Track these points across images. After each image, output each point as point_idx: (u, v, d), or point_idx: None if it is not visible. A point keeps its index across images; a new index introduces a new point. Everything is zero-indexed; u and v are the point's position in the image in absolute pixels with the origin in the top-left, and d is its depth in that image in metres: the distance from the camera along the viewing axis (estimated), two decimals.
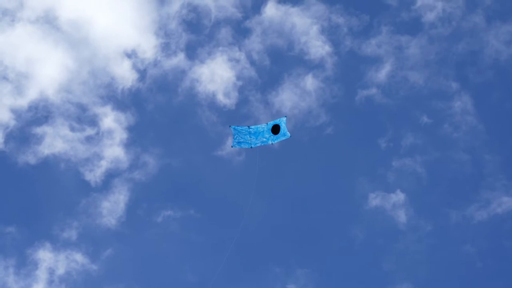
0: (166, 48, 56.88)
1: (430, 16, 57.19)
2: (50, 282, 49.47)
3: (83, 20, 56.87)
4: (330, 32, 57.49)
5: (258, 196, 51.47)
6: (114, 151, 53.37)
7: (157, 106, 55.46)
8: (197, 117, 54.89)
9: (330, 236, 51.39)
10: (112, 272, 50.18)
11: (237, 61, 56.50)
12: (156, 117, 55.34)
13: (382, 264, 50.18)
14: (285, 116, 42.56)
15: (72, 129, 53.74)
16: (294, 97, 55.24)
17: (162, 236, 51.13)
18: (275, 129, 42.25)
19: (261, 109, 54.84)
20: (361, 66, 56.58)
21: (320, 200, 52.41)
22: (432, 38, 56.85)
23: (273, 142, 42.77)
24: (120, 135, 53.90)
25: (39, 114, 53.96)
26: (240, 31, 57.75)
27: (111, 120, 54.27)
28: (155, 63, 56.39)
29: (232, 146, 42.73)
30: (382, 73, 55.90)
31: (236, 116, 54.91)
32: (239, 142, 42.43)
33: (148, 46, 56.62)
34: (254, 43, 57.13)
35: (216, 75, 55.82)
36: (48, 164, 52.70)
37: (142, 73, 56.13)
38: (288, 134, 42.65)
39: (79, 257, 49.98)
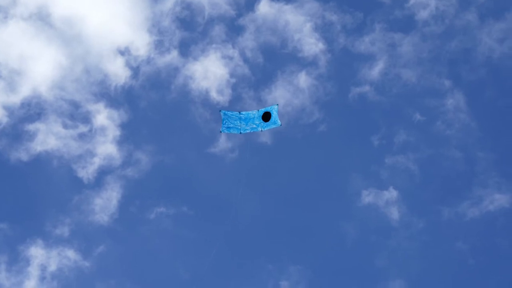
0: (159, 46, 57.06)
1: (423, 14, 57.45)
2: (42, 278, 49.64)
3: (76, 17, 57.04)
4: (324, 30, 57.75)
5: (251, 193, 52.03)
6: (107, 148, 53.53)
7: (150, 103, 55.72)
8: (190, 114, 55.11)
9: (323, 233, 51.62)
10: (104, 268, 50.35)
11: (231, 58, 56.72)
12: (149, 114, 55.61)
13: (374, 261, 50.46)
14: (277, 104, 42.70)
15: (65, 126, 53.95)
16: (287, 94, 55.45)
17: (155, 233, 51.38)
18: (266, 117, 42.40)
19: (254, 106, 54.81)
20: (354, 63, 56.86)
21: (313, 197, 52.61)
22: (425, 35, 57.16)
23: (262, 129, 42.92)
24: (113, 132, 54.08)
25: (31, 111, 54.17)
26: (234, 29, 58.00)
27: (104, 117, 54.45)
28: (148, 61, 56.59)
29: (220, 131, 42.77)
30: (375, 71, 56.13)
31: None
32: (228, 128, 42.53)
33: (141, 43, 56.78)
34: (248, 40, 57.30)
35: (210, 72, 56.02)
36: (41, 161, 52.90)
37: (135, 71, 56.34)
38: (279, 122, 42.80)
39: (71, 253, 50.12)
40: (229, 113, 42.39)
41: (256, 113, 42.43)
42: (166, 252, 50.98)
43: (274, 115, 42.46)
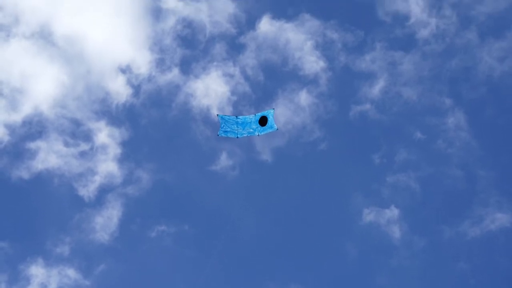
0: (160, 64, 57.51)
1: (423, 33, 57.96)
2: None
3: (78, 36, 57.57)
4: (325, 48, 58.24)
5: (252, 210, 52.34)
6: (108, 166, 53.79)
7: (151, 121, 56.11)
8: (191, 132, 55.49)
9: (325, 251, 51.76)
10: (105, 287, 50.41)
11: (232, 76, 57.13)
12: (150, 132, 55.99)
13: (376, 280, 50.54)
14: (273, 109, 43.11)
15: (66, 144, 54.25)
16: (288, 112, 55.83)
17: (156, 251, 51.49)
18: (263, 121, 42.81)
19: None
20: (355, 81, 57.28)
21: (314, 215, 52.77)
22: (425, 54, 57.63)
23: (259, 134, 43.32)
24: (114, 150, 54.42)
25: (33, 129, 54.51)
26: (235, 47, 58.50)
27: (105, 135, 54.78)
28: (150, 79, 57.02)
29: (218, 135, 43.16)
30: (376, 89, 56.54)
31: None
32: (225, 132, 43.04)
33: (142, 61, 57.26)
34: (249, 58, 57.80)
35: (211, 90, 56.46)
36: (42, 179, 53.14)
37: (136, 89, 56.75)
38: (275, 126, 43.22)
39: (71, 272, 50.25)
40: (227, 117, 42.89)
41: (253, 117, 42.93)
42: (167, 271, 51.16)
43: (271, 119, 42.94)
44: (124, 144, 54.67)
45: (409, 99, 56.00)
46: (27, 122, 54.40)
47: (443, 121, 55.05)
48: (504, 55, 56.29)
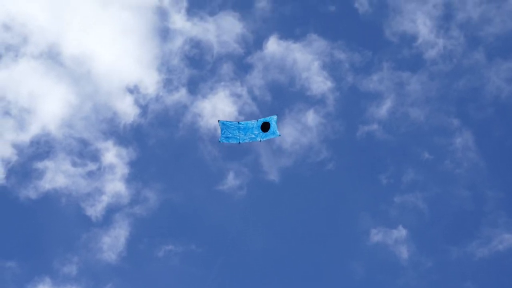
0: (168, 84, 58.00)
1: (431, 53, 58.37)
2: None
3: (86, 56, 58.14)
4: (332, 68, 58.64)
5: (260, 230, 52.79)
6: (115, 186, 54.29)
7: (158, 141, 56.55)
8: (198, 152, 55.87)
9: (332, 271, 52.19)
10: None
11: (239, 96, 57.61)
12: (158, 152, 56.40)
13: None
14: (276, 115, 43.27)
15: (74, 164, 54.73)
16: (295, 132, 56.19)
17: (163, 271, 51.86)
18: (265, 127, 42.99)
19: (262, 144, 54.90)
20: (362, 102, 57.60)
21: (321, 236, 53.20)
22: (433, 74, 58.03)
23: (261, 139, 43.47)
24: (122, 170, 54.90)
25: (40, 149, 55.00)
26: (242, 67, 58.93)
27: (112, 155, 55.23)
28: (157, 99, 57.48)
29: (219, 141, 43.48)
30: (383, 109, 56.93)
31: (237, 150, 55.73)
32: (227, 137, 43.26)
33: (150, 81, 57.73)
34: (256, 78, 58.22)
35: (218, 110, 56.84)
36: (49, 199, 53.65)
37: (144, 109, 57.20)
38: (278, 133, 43.33)
39: None
40: (228, 123, 43.17)
41: (255, 123, 43.11)
42: None
43: (273, 125, 43.08)
44: (131, 164, 55.30)
45: (416, 120, 56.57)
46: (35, 142, 55.13)
47: (451, 142, 55.62)
48: None
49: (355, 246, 52.84)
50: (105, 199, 53.72)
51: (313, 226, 53.46)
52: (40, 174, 54.05)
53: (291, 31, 59.84)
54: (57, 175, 54.10)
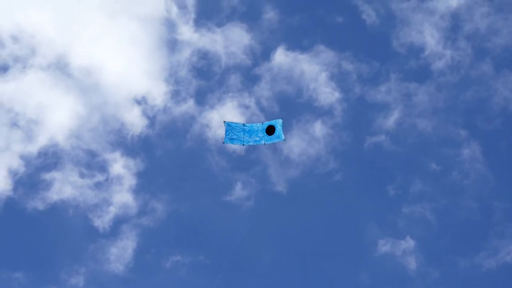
0: (176, 95, 58.47)
1: (438, 64, 58.88)
2: None
3: (94, 67, 58.71)
4: (339, 79, 59.07)
5: (267, 241, 53.31)
6: (123, 197, 54.74)
7: (166, 152, 56.95)
8: (206, 162, 56.34)
9: (340, 282, 52.63)
10: None
11: (247, 107, 58.15)
12: (165, 163, 56.86)
13: None
14: (281, 119, 43.64)
15: (82, 175, 55.23)
16: (302, 143, 56.60)
17: (171, 282, 52.29)
18: (270, 130, 43.36)
19: (269, 155, 56.05)
20: (369, 113, 57.99)
21: (329, 247, 53.60)
22: (440, 85, 58.45)
23: (266, 143, 43.73)
24: (129, 181, 55.37)
25: (48, 160, 55.48)
26: (250, 78, 59.45)
27: (120, 166, 55.69)
28: (165, 110, 57.96)
29: (223, 142, 43.95)
30: (391, 120, 57.34)
31: (245, 161, 56.34)
32: (231, 139, 43.68)
33: (158, 92, 58.24)
34: (264, 89, 58.71)
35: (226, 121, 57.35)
36: (57, 210, 54.08)
37: (151, 120, 57.62)
38: (283, 137, 43.57)
39: None
40: (233, 124, 43.66)
41: (260, 126, 43.51)
42: None
43: (278, 129, 43.38)
44: (139, 175, 55.79)
45: (424, 131, 57.09)
46: (43, 153, 55.67)
47: (458, 153, 56.05)
48: None
49: (362, 257, 53.29)
50: (112, 210, 54.28)
51: (320, 236, 54.01)
52: (48, 185, 54.67)
53: (298, 42, 60.56)
54: (65, 186, 54.68)
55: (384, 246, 53.17)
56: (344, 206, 55.34)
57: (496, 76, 58.04)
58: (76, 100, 57.76)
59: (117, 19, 60.66)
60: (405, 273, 52.44)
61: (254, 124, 43.61)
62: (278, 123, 43.57)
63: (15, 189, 54.12)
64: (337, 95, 58.29)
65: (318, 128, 57.09)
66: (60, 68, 58.72)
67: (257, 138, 43.75)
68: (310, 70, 59.21)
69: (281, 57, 59.62)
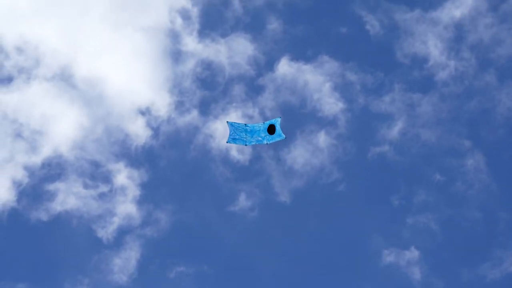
0: (180, 106, 58.92)
1: (442, 75, 59.29)
2: None
3: (98, 78, 59.19)
4: (343, 89, 59.47)
5: (271, 251, 53.69)
6: (126, 208, 55.12)
7: (170, 163, 57.41)
8: (210, 173, 56.73)
9: None
10: None
11: (251, 117, 58.42)
12: (169, 174, 57.31)
13: None
14: (280, 117, 44.49)
15: (85, 186, 55.61)
16: (306, 154, 56.96)
17: None
18: (271, 129, 44.10)
19: (273, 165, 56.75)
20: (373, 123, 58.41)
21: (333, 257, 53.99)
22: (444, 96, 58.87)
23: (268, 142, 44.47)
24: (133, 192, 55.73)
25: (52, 171, 55.91)
26: (254, 88, 59.84)
27: (124, 177, 56.10)
28: (169, 121, 58.36)
29: (227, 142, 44.45)
30: (395, 130, 57.68)
31: (248, 171, 56.72)
32: (234, 139, 44.24)
33: (162, 103, 58.66)
34: (267, 99, 59.10)
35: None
36: (60, 221, 54.49)
37: (155, 130, 58.11)
38: (283, 135, 44.32)
39: None
40: (236, 124, 44.32)
41: (261, 125, 44.18)
42: None
43: (278, 128, 44.20)
44: (143, 185, 56.22)
45: (427, 141, 57.48)
46: (46, 164, 56.14)
47: (462, 163, 56.46)
48: None
49: (367, 268, 53.69)
50: (116, 221, 54.67)
51: (324, 247, 54.42)
52: (52, 196, 55.09)
53: (302, 52, 60.98)
54: (69, 197, 55.07)
55: (388, 257, 53.62)
56: (348, 216, 55.74)
57: (500, 87, 58.59)
58: (80, 111, 58.37)
59: (121, 30, 61.45)
60: (410, 284, 52.97)
61: (255, 124, 44.33)
62: (277, 122, 44.35)
63: (19, 200, 54.68)
64: (341, 105, 58.79)
65: (322, 139, 57.54)
66: (65, 79, 59.35)
67: (259, 138, 44.42)
68: (314, 80, 59.70)
69: (285, 67, 60.13)
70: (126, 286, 53.02)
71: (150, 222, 54.87)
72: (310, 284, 53.04)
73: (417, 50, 60.36)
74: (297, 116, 59.00)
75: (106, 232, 54.48)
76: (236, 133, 44.40)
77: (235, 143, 44.65)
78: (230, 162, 56.88)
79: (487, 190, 55.43)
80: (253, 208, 55.33)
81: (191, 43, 60.92)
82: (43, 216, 54.46)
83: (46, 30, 60.17)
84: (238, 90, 59.71)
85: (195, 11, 61.69)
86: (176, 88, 59.64)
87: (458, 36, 60.53)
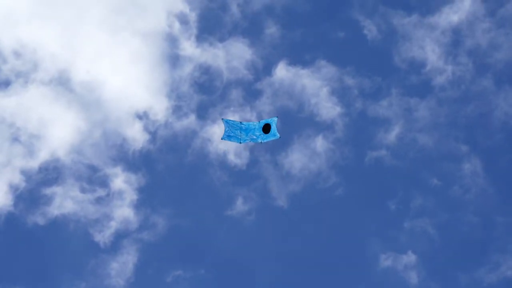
0: (177, 110, 59.26)
1: (439, 79, 59.75)
2: None
3: (96, 82, 59.67)
4: (341, 94, 59.86)
5: (269, 256, 54.07)
6: (123, 212, 55.39)
7: (167, 167, 57.77)
8: (207, 177, 57.05)
9: None
10: None
11: (248, 121, 58.57)
12: (166, 178, 57.67)
13: None
14: (277, 117, 44.82)
15: (82, 190, 55.91)
16: (304, 158, 57.30)
17: None
18: (266, 128, 44.50)
19: (270, 169, 57.10)
20: (370, 127, 58.80)
21: (331, 261, 54.33)
22: (441, 100, 59.26)
23: (262, 141, 44.82)
24: (130, 196, 56.08)
25: (49, 175, 56.22)
26: (251, 92, 60.21)
27: (121, 181, 56.42)
28: (166, 125, 58.68)
29: (221, 139, 44.85)
30: (392, 135, 58.08)
31: (246, 176, 57.08)
32: (229, 136, 44.65)
33: (159, 108, 58.99)
34: (265, 104, 59.51)
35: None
36: (57, 225, 54.72)
37: (153, 135, 58.40)
38: (278, 135, 44.72)
39: None
40: (231, 121, 44.63)
41: (257, 124, 44.56)
42: None
43: (273, 127, 44.55)
44: (140, 189, 56.52)
45: (425, 145, 57.92)
46: (44, 168, 56.44)
47: (459, 168, 56.88)
48: None
49: (364, 272, 54.01)
50: (113, 225, 54.92)
51: (321, 251, 54.68)
52: (49, 200, 55.39)
53: (300, 57, 61.43)
54: (66, 201, 55.32)
55: (385, 261, 54.03)
56: (345, 220, 56.03)
57: (497, 92, 59.12)
58: (78, 115, 58.75)
59: (119, 34, 61.82)
60: None
61: (251, 123, 44.75)
62: (273, 121, 44.73)
63: (16, 204, 54.96)
64: (338, 110, 59.17)
65: (319, 143, 57.90)
66: (62, 83, 59.75)
67: (254, 137, 44.83)
68: (312, 85, 60.05)
69: (282, 72, 60.50)
70: None
71: (147, 226, 55.35)
72: None
73: (415, 54, 60.93)
74: (295, 121, 59.58)
75: (103, 236, 54.79)
76: (231, 130, 44.83)
77: (229, 140, 45.04)
78: (227, 166, 57.39)
79: (484, 195, 56.03)
80: (250, 212, 55.80)
81: (189, 47, 61.40)
82: (40, 220, 54.89)
83: (44, 34, 60.89)
84: (235, 94, 60.28)
85: (193, 16, 62.39)
86: (174, 92, 60.18)
87: (455, 41, 61.22)
